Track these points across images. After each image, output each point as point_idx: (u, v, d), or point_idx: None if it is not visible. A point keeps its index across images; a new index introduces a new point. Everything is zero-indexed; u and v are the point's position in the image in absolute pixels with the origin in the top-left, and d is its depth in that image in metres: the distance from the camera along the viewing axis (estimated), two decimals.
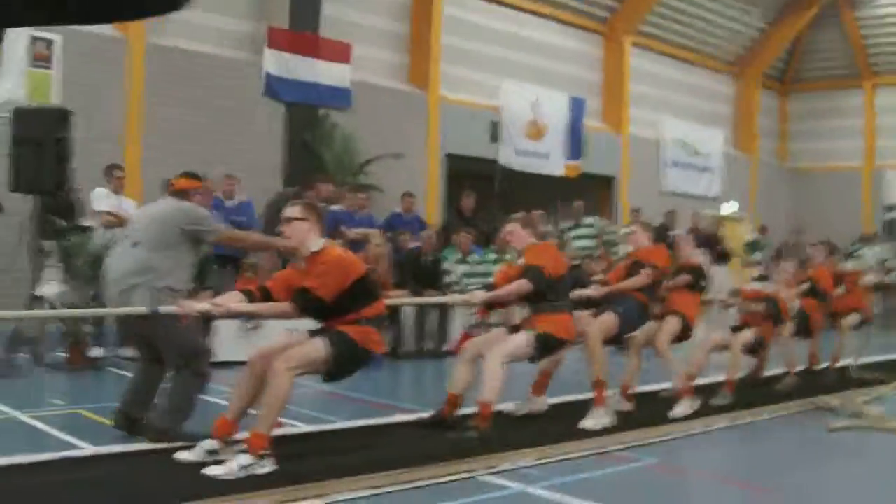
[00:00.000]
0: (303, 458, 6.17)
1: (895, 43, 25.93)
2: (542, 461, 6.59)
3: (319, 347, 5.94)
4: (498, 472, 6.22)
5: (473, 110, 18.83)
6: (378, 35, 17.67)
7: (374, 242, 12.49)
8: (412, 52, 18.21)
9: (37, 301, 9.79)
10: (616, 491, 6.19)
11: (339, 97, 16.44)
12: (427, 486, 5.84)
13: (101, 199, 11.04)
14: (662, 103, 23.50)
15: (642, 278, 8.07)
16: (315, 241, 6.18)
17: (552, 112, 20.28)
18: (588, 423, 7.44)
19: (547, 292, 7.27)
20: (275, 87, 15.62)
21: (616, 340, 8.18)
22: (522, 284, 7.22)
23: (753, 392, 9.67)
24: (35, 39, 12.89)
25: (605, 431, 7.46)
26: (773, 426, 8.67)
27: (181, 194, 6.89)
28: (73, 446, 6.48)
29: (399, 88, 17.77)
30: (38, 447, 6.23)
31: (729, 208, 23.34)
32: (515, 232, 7.61)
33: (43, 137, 9.51)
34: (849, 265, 11.82)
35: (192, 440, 6.10)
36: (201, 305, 6.01)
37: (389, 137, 16.87)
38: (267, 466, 5.60)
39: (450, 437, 6.73)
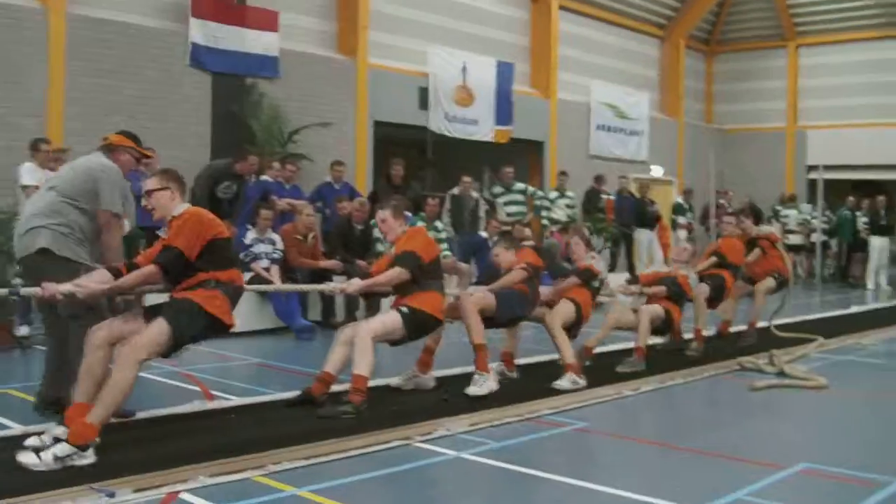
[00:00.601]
0: (237, 430, 6.23)
1: (818, 2, 26.29)
2: (476, 427, 6.71)
3: (162, 327, 5.66)
4: (433, 439, 6.33)
5: (402, 77, 18.74)
6: (306, 2, 17.47)
7: (304, 213, 12.49)
8: (340, 20, 18.03)
9: None
10: (546, 455, 6.34)
11: (267, 66, 16.27)
12: (364, 454, 5.92)
13: (27, 173, 10.89)
14: (590, 67, 23.59)
15: (517, 273, 8.06)
16: (178, 207, 6.09)
17: (481, 77, 20.23)
18: (472, 389, 7.48)
19: (421, 276, 7.28)
20: (201, 57, 15.39)
21: (494, 324, 8.07)
22: (400, 273, 7.19)
23: (675, 356, 9.91)
24: None
25: (535, 396, 7.60)
26: (700, 387, 8.90)
27: (109, 149, 6.76)
28: (2, 426, 6.42)
29: (327, 56, 17.62)
30: None
31: (655, 172, 23.73)
32: (388, 221, 7.50)
33: None
34: (764, 228, 11.91)
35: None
36: (63, 287, 5.70)
37: (318, 106, 16.78)
38: (88, 458, 5.27)
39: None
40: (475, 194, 16.23)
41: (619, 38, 24.74)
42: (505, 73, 20.73)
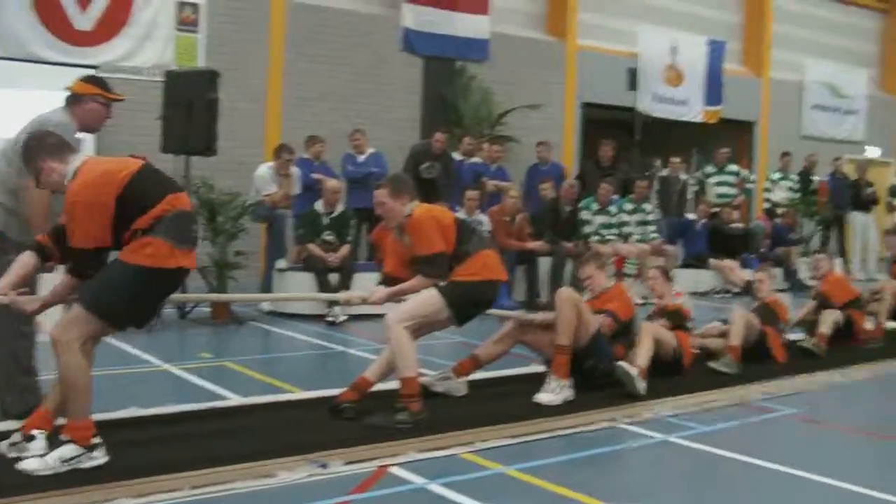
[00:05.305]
0: (443, 407, 6.29)
1: None
2: (684, 411, 6.68)
3: (79, 307, 4.68)
4: (639, 422, 6.33)
5: (611, 57, 18.63)
6: None
7: (510, 195, 12.63)
8: (549, 1, 18.10)
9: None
10: (756, 441, 6.22)
11: (477, 49, 16.46)
12: (569, 434, 5.97)
13: (264, 182, 11.64)
14: (805, 44, 22.72)
15: (605, 321, 7.07)
16: (74, 161, 4.81)
17: (691, 57, 19.87)
18: (543, 396, 6.44)
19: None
20: (412, 41, 15.74)
21: (581, 363, 6.75)
22: (426, 281, 6.03)
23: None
24: (182, 4, 13.31)
25: (738, 382, 7.45)
26: None
27: (73, 100, 5.59)
28: (221, 397, 6.74)
29: (536, 38, 17.67)
30: (189, 397, 6.55)
31: (871, 153, 22.74)
32: (386, 205, 6.06)
33: (193, 99, 9.85)
34: None
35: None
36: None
37: (527, 88, 16.87)
38: (97, 458, 4.64)
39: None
40: (683, 176, 16.08)
41: (835, 12, 23.65)
42: (716, 51, 20.27)
